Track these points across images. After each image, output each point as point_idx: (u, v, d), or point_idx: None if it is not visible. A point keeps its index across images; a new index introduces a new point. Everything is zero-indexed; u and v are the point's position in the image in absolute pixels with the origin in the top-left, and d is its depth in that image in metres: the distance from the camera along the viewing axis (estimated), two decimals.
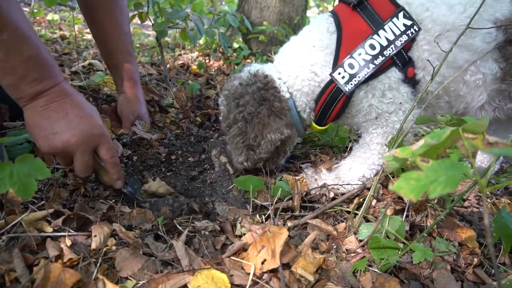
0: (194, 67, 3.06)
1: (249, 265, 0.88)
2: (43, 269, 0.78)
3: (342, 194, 1.25)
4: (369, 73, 1.17)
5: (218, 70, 3.18)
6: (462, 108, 1.28)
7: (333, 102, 1.24)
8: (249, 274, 0.85)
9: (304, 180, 1.30)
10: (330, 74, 1.20)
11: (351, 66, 1.18)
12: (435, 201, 1.14)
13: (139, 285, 0.82)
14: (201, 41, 3.52)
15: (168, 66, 3.00)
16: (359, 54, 1.17)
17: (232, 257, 0.93)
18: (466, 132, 0.63)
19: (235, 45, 3.65)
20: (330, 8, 1.30)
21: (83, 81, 2.08)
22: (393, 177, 1.23)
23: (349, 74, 1.18)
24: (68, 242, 0.90)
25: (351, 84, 1.19)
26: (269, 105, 1.25)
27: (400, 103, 1.22)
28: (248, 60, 3.47)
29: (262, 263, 0.88)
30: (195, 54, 3.59)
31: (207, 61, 3.39)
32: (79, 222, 1.00)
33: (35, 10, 3.81)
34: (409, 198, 0.50)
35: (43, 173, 0.86)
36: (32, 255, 0.85)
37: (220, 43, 3.21)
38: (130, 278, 0.84)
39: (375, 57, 1.17)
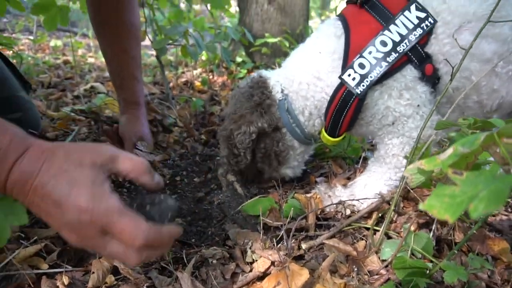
0: (197, 83, 3.01)
1: None
2: None
3: (359, 211, 1.16)
4: (382, 72, 1.08)
5: (222, 85, 3.13)
6: (496, 105, 1.16)
7: (344, 107, 1.14)
8: None
9: (318, 197, 1.21)
10: (340, 77, 1.11)
11: (361, 66, 1.08)
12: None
13: None
14: (204, 57, 3.48)
15: (171, 84, 2.96)
16: (370, 53, 1.08)
17: None
18: (503, 136, 0.55)
19: (238, 59, 3.60)
20: (332, 16, 1.26)
21: (83, 105, 2.03)
22: (413, 189, 1.14)
23: (360, 74, 1.09)
24: (66, 280, 0.83)
25: (363, 85, 1.09)
26: (252, 100, 1.24)
27: (418, 105, 1.12)
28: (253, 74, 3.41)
29: None
30: (198, 70, 3.55)
31: (210, 77, 3.34)
32: (77, 256, 0.93)
33: (38, 37, 3.82)
34: (444, 219, 0.42)
35: (20, 220, 0.73)
36: None
37: (223, 58, 3.17)
38: None
39: (387, 54, 1.08)
